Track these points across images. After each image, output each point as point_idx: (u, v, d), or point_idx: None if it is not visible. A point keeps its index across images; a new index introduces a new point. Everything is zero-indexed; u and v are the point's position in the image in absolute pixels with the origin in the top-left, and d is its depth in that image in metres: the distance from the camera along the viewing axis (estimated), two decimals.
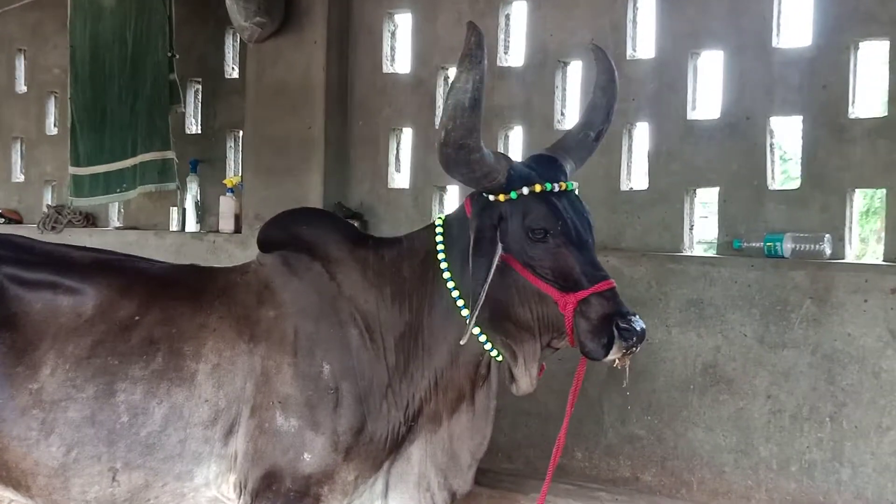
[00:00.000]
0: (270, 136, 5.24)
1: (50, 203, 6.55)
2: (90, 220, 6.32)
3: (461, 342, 2.74)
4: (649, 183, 4.34)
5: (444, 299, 2.81)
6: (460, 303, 2.80)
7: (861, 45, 3.86)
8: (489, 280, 2.67)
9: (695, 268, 4.06)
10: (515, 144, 4.76)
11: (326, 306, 2.92)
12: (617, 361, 2.67)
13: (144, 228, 6.00)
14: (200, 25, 5.73)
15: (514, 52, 4.78)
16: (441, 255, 2.84)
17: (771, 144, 4.03)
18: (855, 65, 3.86)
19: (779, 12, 4.01)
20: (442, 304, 2.82)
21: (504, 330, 2.80)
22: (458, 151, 2.63)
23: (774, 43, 4.01)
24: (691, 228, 4.26)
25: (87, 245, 3.36)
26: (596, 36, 4.30)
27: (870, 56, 3.93)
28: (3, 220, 6.65)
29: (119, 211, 6.38)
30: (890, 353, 3.64)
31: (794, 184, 4.04)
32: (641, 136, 4.41)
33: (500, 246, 2.70)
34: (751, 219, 4.05)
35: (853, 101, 3.86)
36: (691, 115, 4.22)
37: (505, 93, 4.72)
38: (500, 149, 4.73)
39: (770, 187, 4.01)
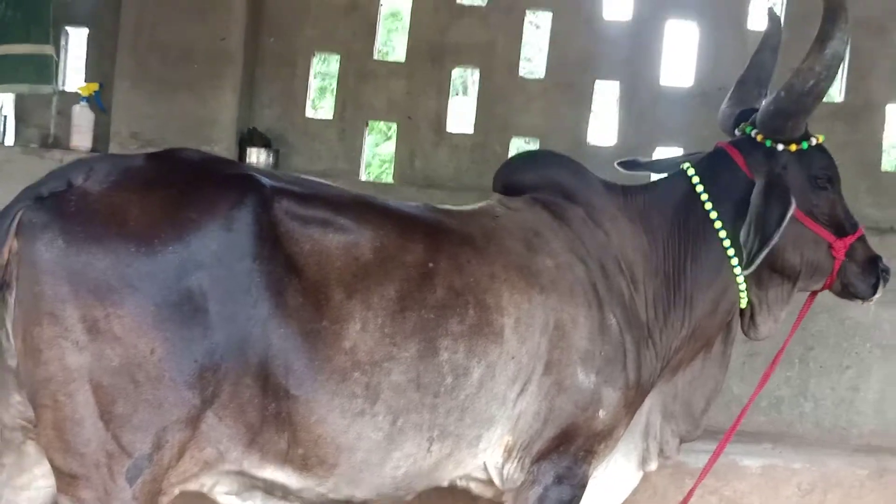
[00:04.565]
0: (163, 43, 4.45)
1: None
2: None
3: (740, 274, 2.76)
4: None
5: (711, 249, 2.79)
6: (731, 252, 2.80)
7: None
8: (782, 228, 2.67)
9: None
10: (465, 88, 4.65)
11: (601, 255, 2.78)
12: (873, 301, 2.93)
13: None
14: None
15: None
16: (709, 205, 2.82)
17: None
18: None
19: None
20: (709, 253, 2.80)
21: (757, 276, 2.86)
22: (814, 102, 2.66)
23: None
24: None
25: None
26: None
27: None
28: None
29: None
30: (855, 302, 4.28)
31: None
32: None
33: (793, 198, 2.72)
34: None
35: None
36: None
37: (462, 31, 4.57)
38: (457, 90, 4.60)
39: None
